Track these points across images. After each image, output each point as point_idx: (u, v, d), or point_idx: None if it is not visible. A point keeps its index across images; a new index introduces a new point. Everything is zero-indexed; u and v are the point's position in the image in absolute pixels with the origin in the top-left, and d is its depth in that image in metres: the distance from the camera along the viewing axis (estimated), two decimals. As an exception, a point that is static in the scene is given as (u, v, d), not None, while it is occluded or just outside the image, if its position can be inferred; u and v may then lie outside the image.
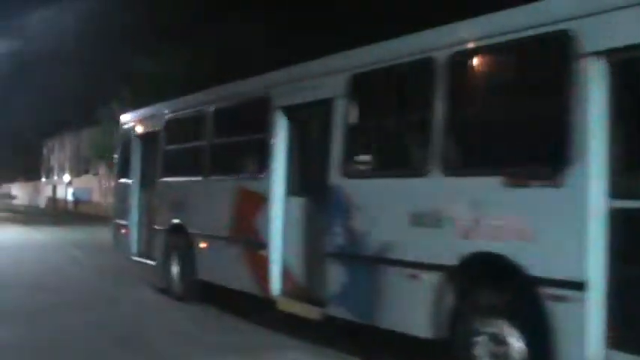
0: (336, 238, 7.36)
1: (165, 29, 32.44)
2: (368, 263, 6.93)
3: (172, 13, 32.07)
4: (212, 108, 10.32)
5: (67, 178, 74.08)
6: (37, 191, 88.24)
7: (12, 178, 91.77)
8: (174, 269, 10.98)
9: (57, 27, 44.29)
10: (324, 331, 8.09)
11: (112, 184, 14.58)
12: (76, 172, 71.81)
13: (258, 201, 8.77)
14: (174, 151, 11.44)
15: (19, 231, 30.41)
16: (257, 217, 8.80)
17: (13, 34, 40.90)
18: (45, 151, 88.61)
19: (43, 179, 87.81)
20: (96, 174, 61.00)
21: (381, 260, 6.73)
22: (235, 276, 9.29)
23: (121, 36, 35.19)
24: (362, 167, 7.51)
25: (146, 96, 31.59)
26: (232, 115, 10.14)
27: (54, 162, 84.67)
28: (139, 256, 12.47)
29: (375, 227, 6.86)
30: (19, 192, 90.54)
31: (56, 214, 58.05)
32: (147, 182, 12.40)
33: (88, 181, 65.85)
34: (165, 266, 11.19)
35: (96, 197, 63.16)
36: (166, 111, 11.87)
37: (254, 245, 8.83)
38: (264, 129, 8.83)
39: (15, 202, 78.19)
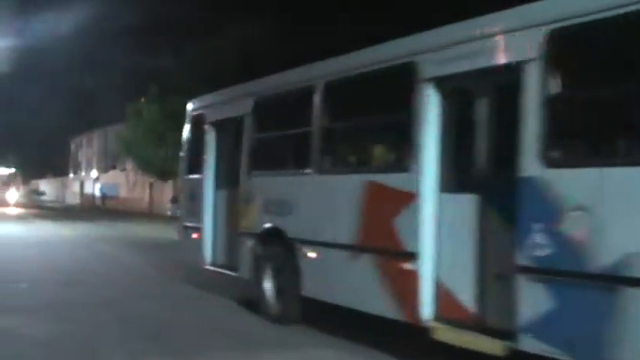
0: (537, 248, 5.38)
1: (191, 25, 31.51)
2: (597, 283, 4.97)
3: (198, 9, 30.89)
4: (324, 83, 8.29)
5: (94, 174, 73.52)
6: (65, 187, 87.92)
7: (40, 175, 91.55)
8: (267, 283, 9.13)
9: (84, 25, 43.51)
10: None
11: (180, 180, 12.38)
12: (104, 168, 71.27)
13: (401, 200, 6.83)
14: (266, 140, 9.60)
15: (48, 227, 30.39)
16: (399, 220, 6.85)
17: (41, 34, 39.91)
18: (72, 147, 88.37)
19: (71, 175, 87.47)
20: (123, 170, 60.35)
21: (621, 280, 4.78)
22: (365, 294, 7.31)
23: (147, 33, 34.25)
24: (585, 152, 5.54)
25: (173, 92, 31.41)
26: (357, 90, 8.06)
27: (81, 158, 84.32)
28: (215, 266, 10.69)
29: (611, 233, 4.89)
30: (47, 188, 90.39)
31: (84, 209, 57.76)
32: (225, 178, 10.69)
33: (115, 176, 65.37)
34: (254, 279, 9.37)
35: (123, 193, 62.51)
36: (255, 91, 9.95)
37: (395, 256, 6.87)
38: (405, 107, 6.86)
39: (44, 198, 78.03)
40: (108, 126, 64.63)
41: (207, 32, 30.56)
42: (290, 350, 7.64)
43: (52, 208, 56.58)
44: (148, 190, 54.35)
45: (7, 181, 62.53)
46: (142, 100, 35.71)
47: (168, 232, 27.54)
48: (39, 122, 72.33)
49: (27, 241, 21.74)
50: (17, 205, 56.85)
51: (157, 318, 9.36)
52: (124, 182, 62.15)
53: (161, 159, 33.94)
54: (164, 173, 36.73)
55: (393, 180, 7.07)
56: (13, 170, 65.26)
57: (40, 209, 52.43)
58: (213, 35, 30.42)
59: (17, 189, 64.29)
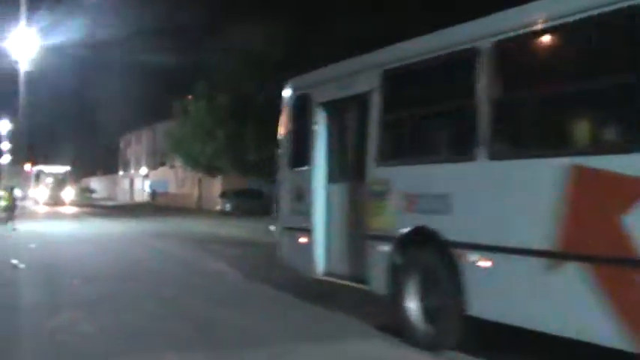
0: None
1: (236, 20, 31.55)
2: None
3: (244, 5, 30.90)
4: (493, 43, 6.46)
5: (143, 171, 74.39)
6: (114, 185, 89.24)
7: (91, 173, 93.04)
8: (412, 299, 7.32)
9: (131, 24, 44.08)
10: None
11: (279, 174, 10.61)
12: (152, 165, 72.08)
13: (636, 191, 5.09)
14: (404, 121, 7.85)
15: (100, 224, 31.08)
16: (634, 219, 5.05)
17: (89, 32, 40.52)
18: (122, 145, 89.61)
19: (121, 173, 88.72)
20: (172, 166, 60.93)
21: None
22: (574, 316, 5.51)
23: (193, 30, 34.51)
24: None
25: (220, 89, 31.69)
26: (547, 48, 6.26)
27: (130, 156, 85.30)
28: (331, 275, 8.96)
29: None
30: (97, 186, 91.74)
31: (135, 206, 58.38)
32: (341, 169, 9.17)
33: (164, 173, 65.94)
34: (391, 294, 7.58)
35: (172, 189, 63.17)
36: (384, 61, 8.15)
37: (629, 265, 5.12)
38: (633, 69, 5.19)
39: (94, 195, 79.24)
40: (156, 123, 65.38)
41: (254, 25, 30.43)
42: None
43: (104, 206, 56.89)
44: (196, 186, 54.89)
45: (63, 180, 58.51)
46: (189, 97, 36.03)
47: (220, 227, 27.97)
48: (88, 121, 73.46)
49: (81, 238, 22.00)
50: (72, 203, 55.53)
51: (235, 326, 8.51)
52: (173, 179, 62.73)
53: (209, 155, 34.19)
54: (212, 169, 36.99)
55: (617, 164, 5.26)
56: (68, 168, 61.78)
57: (91, 207, 52.60)
58: (259, 28, 30.27)
59: (72, 187, 61.18)
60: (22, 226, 25.13)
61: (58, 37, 29.37)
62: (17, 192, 31.73)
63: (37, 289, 11.10)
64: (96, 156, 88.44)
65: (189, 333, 7.98)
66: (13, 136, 71.78)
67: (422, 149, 7.70)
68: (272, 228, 24.46)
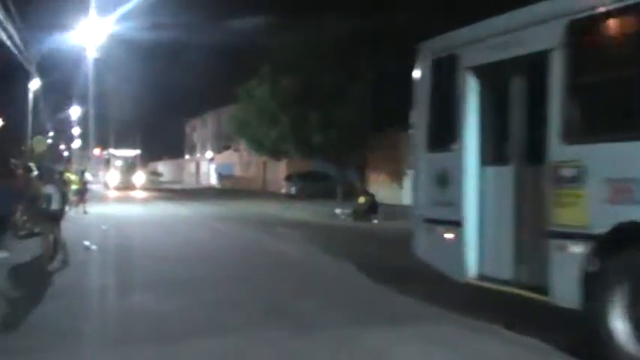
0: None
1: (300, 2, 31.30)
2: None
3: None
4: None
5: (209, 154, 75.28)
6: (180, 169, 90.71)
7: (157, 157, 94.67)
8: (619, 316, 5.76)
9: (197, 10, 44.38)
10: None
11: (414, 155, 8.89)
12: (218, 149, 72.80)
13: None
14: (609, 86, 6.15)
15: (167, 207, 31.63)
16: None
17: (156, 19, 41.00)
18: (187, 129, 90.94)
19: (187, 157, 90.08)
20: (237, 150, 61.40)
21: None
22: None
23: (257, 13, 34.34)
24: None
25: (283, 71, 31.71)
26: None
27: (196, 140, 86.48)
28: (486, 280, 7.50)
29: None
30: (164, 170, 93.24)
31: (201, 190, 59.10)
32: (500, 149, 7.59)
33: (229, 157, 66.52)
34: (590, 309, 5.99)
35: (237, 172, 63.73)
36: (575, 8, 6.36)
37: None
38: None
39: (161, 179, 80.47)
40: (221, 107, 65.96)
41: (318, 8, 30.24)
42: None
43: (171, 190, 57.80)
44: (261, 169, 55.27)
45: (133, 163, 55.95)
46: (254, 81, 36.16)
47: (285, 210, 28.12)
48: (155, 106, 74.68)
49: (149, 221, 22.56)
50: (141, 187, 53.79)
51: (304, 307, 8.39)
52: (238, 162, 63.28)
53: (273, 139, 34.33)
54: (276, 152, 37.15)
55: None
56: (137, 152, 59.21)
57: (159, 191, 53.33)
58: (323, 11, 30.07)
59: (142, 171, 58.76)
60: (93, 209, 25.76)
61: (125, 24, 29.79)
62: (88, 176, 32.45)
63: (110, 270, 11.35)
64: (162, 141, 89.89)
65: (259, 313, 8.03)
66: (82, 122, 73.42)
67: (637, 121, 5.87)
68: (337, 211, 24.66)
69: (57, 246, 12.12)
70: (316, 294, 9.31)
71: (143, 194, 45.78)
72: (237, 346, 6.69)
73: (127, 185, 52.32)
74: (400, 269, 10.20)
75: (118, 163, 55.38)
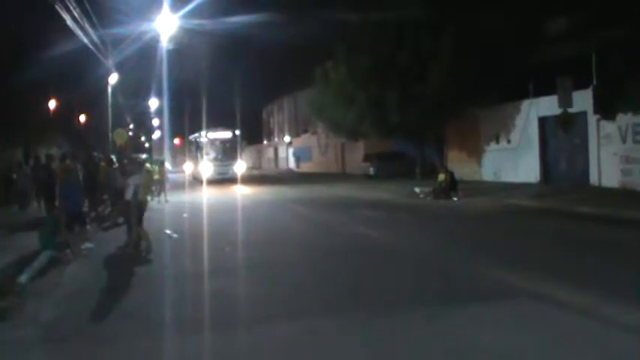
0: None
1: None
2: None
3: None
4: None
5: (287, 139, 75.70)
6: (259, 154, 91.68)
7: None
8: None
9: None
10: None
11: None
12: (295, 133, 73.12)
13: None
14: None
15: (247, 192, 31.90)
16: None
17: (231, 5, 41.14)
18: (265, 115, 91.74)
19: (265, 142, 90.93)
20: (314, 133, 61.47)
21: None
22: None
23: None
24: None
25: (359, 53, 31.41)
26: None
27: (273, 125, 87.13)
28: None
29: None
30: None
31: (279, 173, 59.56)
32: None
33: (307, 140, 66.67)
34: None
35: (315, 155, 63.80)
36: None
37: None
38: None
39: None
40: (297, 91, 66.12)
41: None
42: None
43: (251, 176, 58.71)
44: (339, 151, 55.15)
45: (231, 148, 41.82)
46: (329, 62, 35.94)
47: (364, 191, 27.94)
48: (233, 93, 75.49)
49: (228, 207, 22.66)
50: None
51: (385, 289, 8.31)
52: (316, 145, 63.36)
53: (351, 119, 34.07)
54: (354, 133, 36.87)
55: None
56: (237, 132, 44.12)
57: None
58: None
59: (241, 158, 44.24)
60: (173, 198, 26.33)
61: (198, 15, 30.02)
62: (167, 165, 32.99)
63: (192, 257, 11.44)
64: (240, 127, 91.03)
65: (340, 296, 8.02)
66: (162, 113, 74.77)
67: None
68: (417, 189, 24.23)
69: (141, 236, 12.26)
70: (398, 274, 9.25)
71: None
72: (326, 326, 6.69)
73: (225, 176, 40.22)
74: (481, 246, 9.86)
75: (213, 148, 41.71)
